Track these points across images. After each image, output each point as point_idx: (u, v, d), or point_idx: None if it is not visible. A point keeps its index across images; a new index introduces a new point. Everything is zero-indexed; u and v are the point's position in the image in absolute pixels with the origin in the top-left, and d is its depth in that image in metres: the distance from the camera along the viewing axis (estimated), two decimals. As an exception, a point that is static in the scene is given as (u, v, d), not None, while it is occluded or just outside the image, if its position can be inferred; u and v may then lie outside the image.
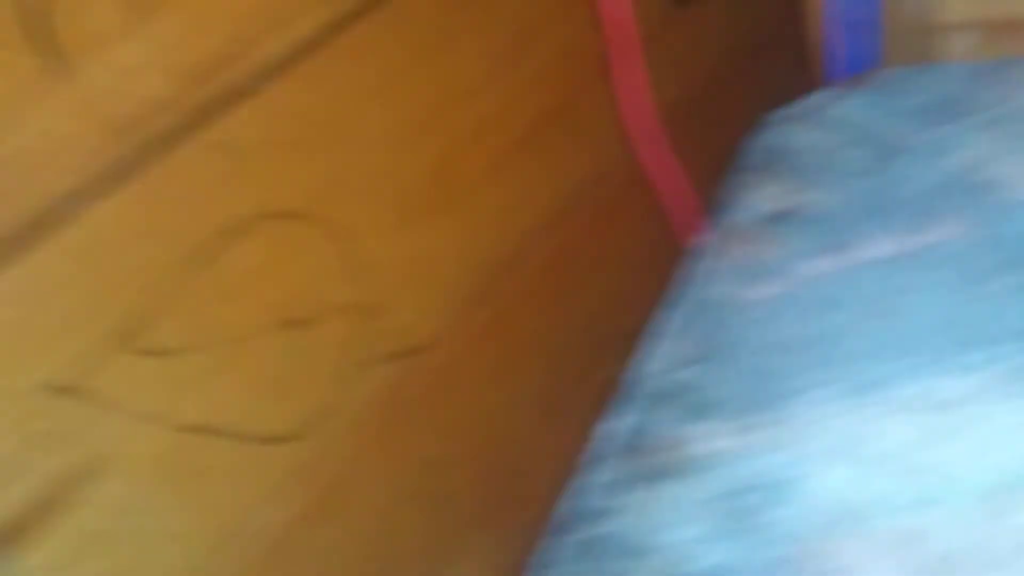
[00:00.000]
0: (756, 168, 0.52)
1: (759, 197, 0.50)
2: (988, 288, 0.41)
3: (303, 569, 0.63)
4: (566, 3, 0.78)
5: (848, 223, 0.48)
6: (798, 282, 0.46)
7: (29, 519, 0.50)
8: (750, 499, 0.38)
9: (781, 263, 0.47)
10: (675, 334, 0.46)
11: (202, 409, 0.57)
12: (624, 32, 0.72)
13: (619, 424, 0.43)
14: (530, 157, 0.74)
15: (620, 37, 0.72)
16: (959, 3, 0.58)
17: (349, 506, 0.66)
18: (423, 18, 0.68)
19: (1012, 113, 0.48)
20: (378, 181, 0.65)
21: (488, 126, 0.71)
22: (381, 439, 0.67)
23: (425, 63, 0.68)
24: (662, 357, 0.45)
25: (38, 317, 0.50)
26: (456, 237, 0.70)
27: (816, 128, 0.53)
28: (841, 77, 0.58)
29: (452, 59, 0.70)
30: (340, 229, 0.62)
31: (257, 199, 0.57)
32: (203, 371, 0.56)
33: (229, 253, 0.57)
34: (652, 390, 0.44)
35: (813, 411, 0.40)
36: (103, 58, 0.48)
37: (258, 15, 0.56)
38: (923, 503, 0.35)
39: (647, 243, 0.87)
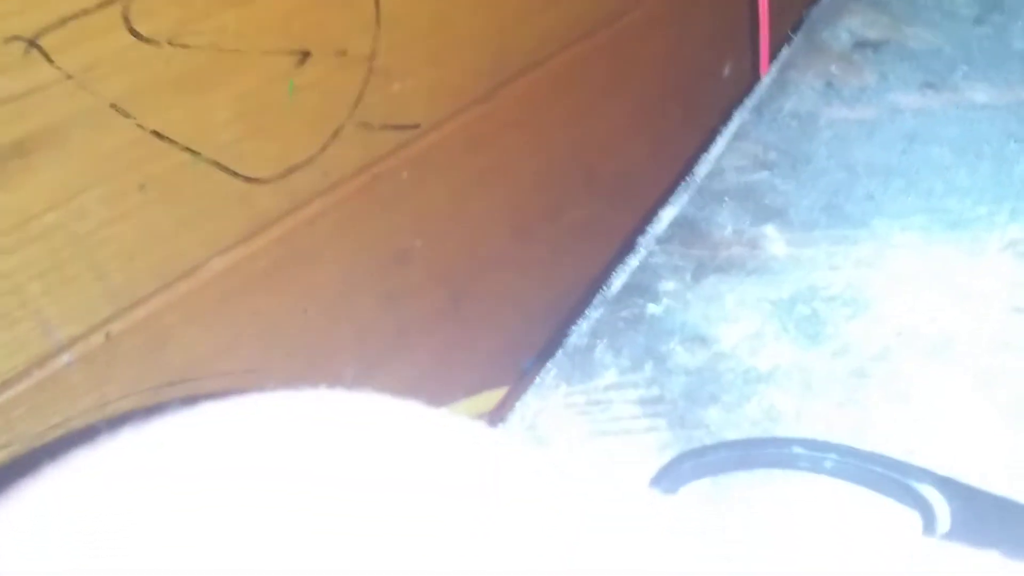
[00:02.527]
0: (854, -5, 0.47)
1: (856, 23, 0.45)
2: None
3: (237, 322, 0.57)
4: None
5: (949, 65, 0.43)
6: (888, 110, 0.41)
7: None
8: (822, 308, 0.34)
9: (872, 89, 0.42)
10: (749, 137, 0.40)
11: (180, 118, 0.49)
12: None
13: (681, 212, 0.38)
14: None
15: None
16: None
17: (306, 273, 0.60)
18: None
19: None
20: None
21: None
22: (355, 213, 0.61)
23: None
24: (733, 157, 0.39)
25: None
26: (479, 19, 0.63)
27: (920, -30, 0.48)
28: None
29: None
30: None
31: None
32: (192, 74, 0.49)
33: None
34: (720, 186, 0.38)
35: (900, 236, 0.36)
36: None
37: None
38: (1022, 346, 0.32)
39: (668, 82, 0.82)
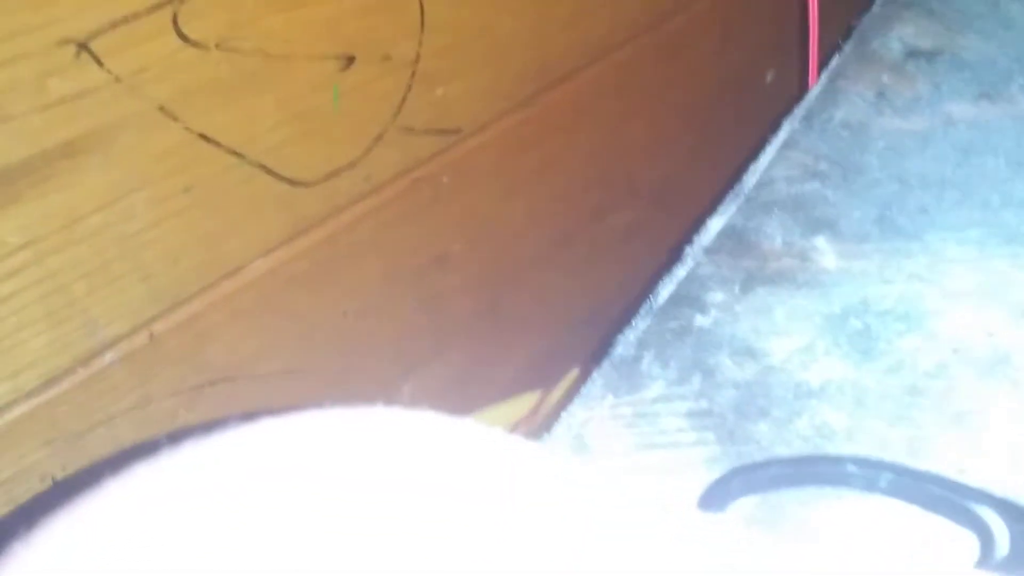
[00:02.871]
0: (907, 4, 0.46)
1: (908, 32, 0.44)
2: None
3: (273, 325, 0.57)
4: None
5: (1005, 75, 0.42)
6: (942, 122, 0.40)
7: (15, 178, 0.43)
8: (874, 323, 0.33)
9: (925, 99, 0.41)
10: (799, 147, 0.40)
11: (226, 121, 0.49)
12: None
13: (729, 222, 0.37)
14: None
15: None
16: None
17: (346, 275, 0.60)
18: None
19: None
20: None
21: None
22: (395, 217, 0.61)
23: None
24: (782, 166, 0.39)
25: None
26: (524, 24, 0.63)
27: (974, -22, 0.47)
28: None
29: None
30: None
31: None
32: (239, 78, 0.49)
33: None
34: (769, 196, 0.38)
35: (955, 250, 0.35)
36: None
37: None
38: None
39: (711, 89, 0.82)
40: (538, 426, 0.71)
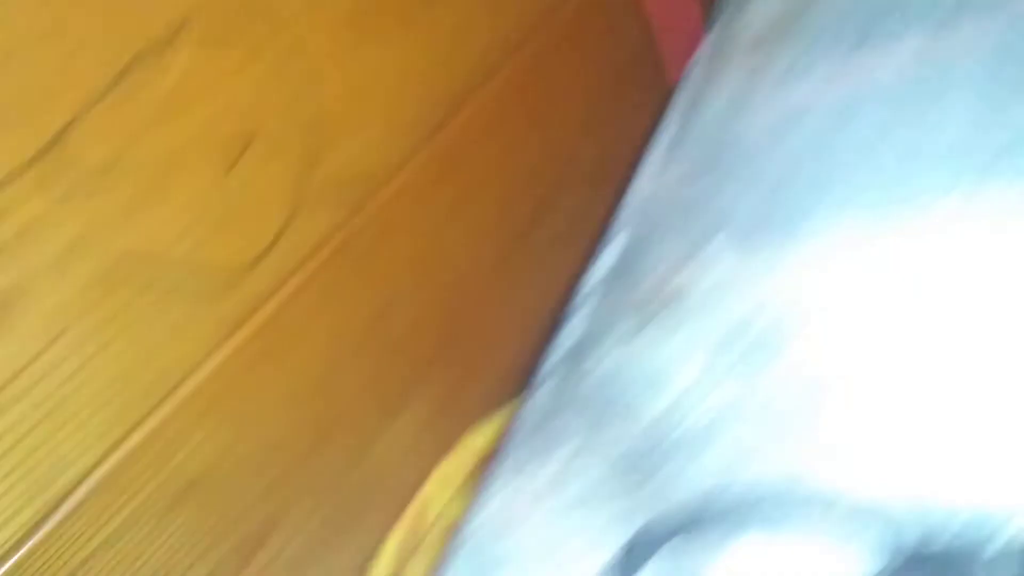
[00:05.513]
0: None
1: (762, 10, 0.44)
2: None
3: (239, 413, 0.58)
4: None
5: (867, 20, 0.41)
6: (813, 91, 0.40)
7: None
8: (763, 335, 0.34)
9: (792, 69, 0.41)
10: (671, 156, 0.40)
11: (135, 243, 0.50)
12: None
13: (613, 249, 0.37)
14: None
15: None
16: None
17: (290, 352, 0.59)
18: None
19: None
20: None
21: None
22: (327, 282, 0.61)
23: None
24: (656, 177, 0.39)
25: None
26: (414, 57, 0.63)
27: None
28: None
29: None
30: (290, 38, 0.54)
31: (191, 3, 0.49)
32: (138, 197, 0.49)
33: (165, 64, 0.49)
34: (646, 212, 0.38)
35: (838, 231, 0.35)
36: None
37: None
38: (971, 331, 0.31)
39: (619, 69, 0.81)
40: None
